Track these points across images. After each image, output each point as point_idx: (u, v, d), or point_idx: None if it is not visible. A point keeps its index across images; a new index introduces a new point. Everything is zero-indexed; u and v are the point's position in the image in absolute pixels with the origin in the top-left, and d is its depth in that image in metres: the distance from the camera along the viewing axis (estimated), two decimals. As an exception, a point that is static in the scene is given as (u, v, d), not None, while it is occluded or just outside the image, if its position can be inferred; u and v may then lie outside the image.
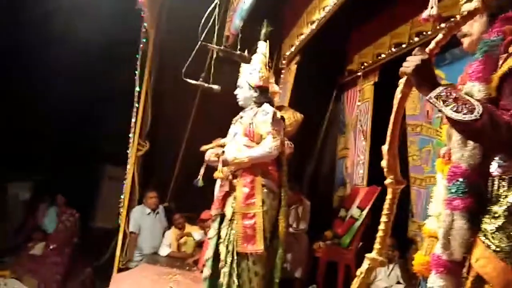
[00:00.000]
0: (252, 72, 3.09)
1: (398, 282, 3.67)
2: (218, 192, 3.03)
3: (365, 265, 1.52)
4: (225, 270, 2.75)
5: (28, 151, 6.05)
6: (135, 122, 4.75)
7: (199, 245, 4.73)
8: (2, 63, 5.36)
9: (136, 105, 4.75)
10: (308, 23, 4.55)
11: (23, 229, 5.72)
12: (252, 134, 2.92)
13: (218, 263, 2.83)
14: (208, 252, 2.90)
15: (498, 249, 1.33)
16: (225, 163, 2.86)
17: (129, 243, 4.69)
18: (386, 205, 1.54)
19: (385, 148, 1.55)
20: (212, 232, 2.95)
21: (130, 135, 4.78)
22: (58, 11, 4.94)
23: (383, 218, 1.54)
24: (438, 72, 3.20)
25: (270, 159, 2.90)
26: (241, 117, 3.06)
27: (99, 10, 4.67)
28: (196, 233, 4.80)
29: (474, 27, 1.61)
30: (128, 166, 4.76)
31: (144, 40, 4.78)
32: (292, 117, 3.85)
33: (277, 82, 5.11)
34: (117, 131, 5.14)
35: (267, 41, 3.28)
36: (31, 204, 6.12)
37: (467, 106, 1.33)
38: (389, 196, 1.55)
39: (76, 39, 5.08)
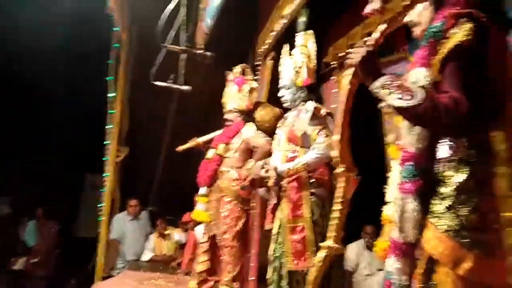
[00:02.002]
0: (297, 70, 2.80)
1: (381, 269, 3.74)
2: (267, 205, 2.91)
3: (323, 253, 1.57)
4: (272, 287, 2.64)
5: (4, 165, 6.05)
6: (111, 129, 4.76)
7: (181, 246, 4.78)
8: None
9: (110, 111, 4.76)
10: (280, 18, 4.60)
11: (3, 245, 5.68)
12: (296, 138, 2.71)
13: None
14: (270, 272, 2.74)
15: (448, 228, 1.39)
16: (280, 178, 2.64)
17: (111, 251, 4.71)
18: (339, 194, 1.60)
19: (336, 138, 1.61)
20: (271, 250, 2.76)
21: (107, 142, 4.78)
22: (24, 22, 4.93)
23: (337, 206, 1.60)
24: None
25: (326, 161, 2.65)
26: (285, 119, 2.87)
27: (67, 16, 4.66)
28: (177, 234, 4.86)
29: (422, 16, 1.67)
30: (107, 173, 4.77)
31: (117, 46, 4.79)
32: (270, 112, 3.82)
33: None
34: (95, 139, 5.15)
35: (309, 30, 2.94)
36: (11, 219, 6.09)
37: (409, 92, 1.40)
38: (341, 184, 1.61)
39: (45, 47, 5.07)
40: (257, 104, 3.76)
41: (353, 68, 1.59)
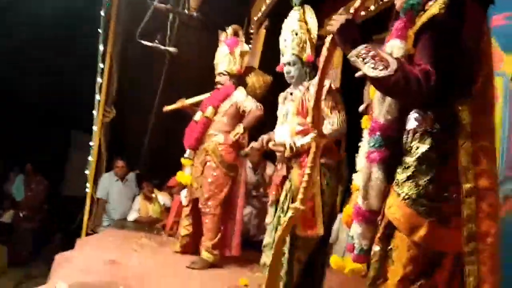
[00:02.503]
0: (302, 46, 2.70)
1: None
2: (274, 176, 2.83)
3: (289, 214, 1.62)
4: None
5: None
6: (100, 88, 4.73)
7: (166, 210, 4.86)
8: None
9: (101, 69, 4.71)
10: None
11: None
12: (306, 111, 2.61)
13: None
14: (266, 238, 2.69)
15: (406, 196, 1.44)
16: (295, 151, 2.55)
17: (97, 209, 4.78)
18: (310, 158, 1.64)
19: (311, 105, 1.64)
20: (268, 218, 2.74)
21: (95, 101, 4.76)
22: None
23: (307, 170, 1.64)
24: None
25: (340, 137, 2.68)
26: (291, 94, 2.76)
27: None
28: (162, 197, 4.93)
29: None
30: (94, 133, 4.78)
31: (107, 5, 4.69)
32: (261, 79, 3.86)
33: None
34: (84, 98, 5.13)
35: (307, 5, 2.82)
36: (1, 173, 6.13)
37: (383, 63, 1.41)
38: (313, 149, 1.64)
39: (37, 6, 4.98)
40: (248, 70, 3.75)
41: (330, 36, 1.59)
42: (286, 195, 2.59)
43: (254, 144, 2.81)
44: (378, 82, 1.46)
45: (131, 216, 4.88)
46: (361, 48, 1.47)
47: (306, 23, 2.78)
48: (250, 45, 5.31)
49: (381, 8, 4.15)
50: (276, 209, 2.65)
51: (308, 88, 2.67)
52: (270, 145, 2.69)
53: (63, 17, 5.15)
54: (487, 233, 1.35)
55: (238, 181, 3.55)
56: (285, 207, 2.55)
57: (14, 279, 4.91)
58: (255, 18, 5.32)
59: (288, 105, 2.74)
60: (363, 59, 1.46)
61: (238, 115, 3.50)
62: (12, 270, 5.11)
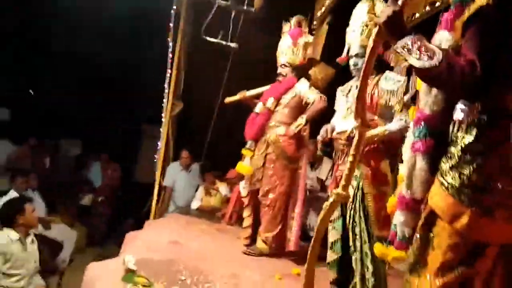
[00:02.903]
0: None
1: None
2: (333, 170, 2.74)
3: (330, 199, 1.70)
4: (355, 256, 2.47)
5: (77, 113, 6.69)
6: (169, 83, 5.06)
7: (227, 200, 5.08)
8: (47, 31, 5.85)
9: (170, 66, 5.04)
10: (338, -18, 4.54)
11: (73, 182, 6.35)
12: (375, 105, 2.52)
13: (347, 246, 2.53)
14: (334, 235, 2.61)
15: (450, 186, 1.46)
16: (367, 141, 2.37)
17: (164, 196, 5.12)
18: (353, 146, 1.70)
19: (355, 95, 1.70)
20: (334, 213, 2.57)
21: (165, 94, 5.10)
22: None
23: (350, 158, 1.71)
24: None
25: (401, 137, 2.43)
26: (356, 87, 2.53)
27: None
28: (223, 188, 5.16)
29: None
30: (163, 125, 5.12)
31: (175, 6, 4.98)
32: (324, 71, 3.78)
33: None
34: (155, 93, 5.51)
35: None
36: (80, 160, 6.75)
37: (429, 54, 1.44)
38: (356, 137, 1.70)
39: (113, 8, 5.42)
40: (310, 61, 3.69)
41: (377, 27, 1.64)
42: (355, 193, 2.48)
43: (319, 138, 2.69)
44: (423, 73, 1.49)
45: (194, 204, 5.16)
46: (407, 39, 1.50)
47: (375, 15, 2.64)
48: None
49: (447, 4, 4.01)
50: (341, 207, 2.51)
51: (377, 83, 2.55)
52: (334, 133, 2.60)
53: (135, 16, 5.55)
54: None
55: (299, 174, 3.49)
56: (357, 206, 2.47)
57: (91, 257, 5.41)
58: (318, 14, 5.35)
59: (351, 98, 2.62)
60: (409, 50, 1.49)
61: (300, 107, 3.43)
62: (88, 249, 5.63)
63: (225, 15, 3.74)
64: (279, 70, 3.55)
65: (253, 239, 3.59)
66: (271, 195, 3.41)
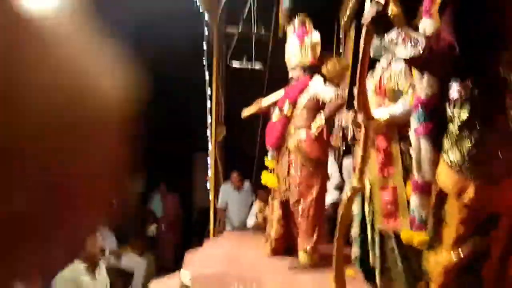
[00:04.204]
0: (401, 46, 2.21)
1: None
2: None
3: (349, 192, 1.80)
4: (372, 251, 2.42)
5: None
6: (210, 112, 5.37)
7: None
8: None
9: (209, 96, 5.36)
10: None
11: (139, 216, 6.80)
12: (384, 91, 2.38)
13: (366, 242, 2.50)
14: (354, 230, 2.56)
15: (452, 162, 1.52)
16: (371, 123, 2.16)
17: (220, 217, 5.36)
18: (361, 140, 1.79)
19: (355, 89, 1.81)
20: (355, 208, 2.50)
21: (207, 123, 5.41)
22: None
23: (360, 152, 1.80)
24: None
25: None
26: (372, 71, 2.53)
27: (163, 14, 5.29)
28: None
29: None
30: (210, 152, 5.41)
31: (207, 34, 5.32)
32: (337, 65, 3.63)
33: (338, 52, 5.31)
34: (202, 122, 5.84)
35: None
36: (143, 194, 7.24)
37: (412, 42, 1.54)
38: (363, 131, 1.80)
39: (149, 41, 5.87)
40: (321, 58, 3.49)
41: (366, 27, 1.75)
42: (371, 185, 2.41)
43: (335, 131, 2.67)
44: (411, 62, 1.58)
45: (249, 222, 5.33)
46: (393, 33, 1.61)
47: None
48: (342, 50, 5.48)
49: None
50: (362, 198, 2.45)
51: (389, 65, 2.38)
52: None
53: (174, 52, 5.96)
54: None
55: (327, 177, 3.36)
56: (374, 198, 2.36)
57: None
58: (343, 21, 5.45)
59: (368, 82, 2.43)
60: (395, 43, 1.60)
61: (318, 107, 3.27)
62: (158, 277, 5.95)
63: (250, 40, 3.97)
64: (291, 74, 3.43)
65: (284, 251, 3.48)
66: (302, 204, 3.26)
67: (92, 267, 3.28)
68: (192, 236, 6.26)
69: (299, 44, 3.36)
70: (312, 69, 3.38)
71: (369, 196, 2.43)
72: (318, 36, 3.43)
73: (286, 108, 3.36)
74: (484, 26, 1.46)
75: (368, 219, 2.45)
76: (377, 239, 2.37)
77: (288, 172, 3.35)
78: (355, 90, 1.80)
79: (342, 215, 1.77)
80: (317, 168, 3.28)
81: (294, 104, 3.35)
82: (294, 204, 3.32)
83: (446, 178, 1.54)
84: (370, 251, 2.45)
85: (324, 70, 3.42)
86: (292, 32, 3.44)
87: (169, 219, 6.67)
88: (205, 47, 5.22)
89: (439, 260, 1.48)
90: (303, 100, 3.33)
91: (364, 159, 1.78)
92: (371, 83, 2.47)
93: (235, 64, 3.47)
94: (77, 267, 3.24)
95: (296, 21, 3.46)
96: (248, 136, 5.83)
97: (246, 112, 3.88)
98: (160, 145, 7.32)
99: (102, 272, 3.42)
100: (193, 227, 6.29)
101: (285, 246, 3.50)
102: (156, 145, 7.44)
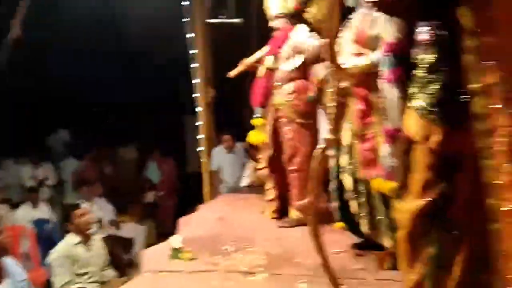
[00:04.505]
0: None
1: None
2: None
3: (322, 145, 1.79)
4: (360, 201, 2.42)
5: (128, 120, 7.26)
6: (196, 69, 5.25)
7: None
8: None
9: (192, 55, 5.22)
10: None
11: (136, 184, 6.88)
12: (364, 39, 2.25)
13: (343, 193, 2.56)
14: (331, 184, 2.61)
15: (419, 107, 1.51)
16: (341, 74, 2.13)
17: (214, 180, 5.40)
18: (332, 90, 1.77)
19: (371, 33, 1.76)
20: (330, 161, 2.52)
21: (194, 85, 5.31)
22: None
23: (331, 103, 1.79)
24: None
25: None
26: (348, 21, 2.42)
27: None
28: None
29: None
30: (199, 114, 5.36)
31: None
32: (323, 7, 2.99)
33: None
34: (186, 85, 5.75)
35: None
36: (138, 163, 7.29)
37: None
38: (335, 83, 1.78)
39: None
40: (305, 3, 3.20)
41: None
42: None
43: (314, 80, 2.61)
44: (379, 4, 1.54)
45: (243, 182, 5.39)
46: None
47: None
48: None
49: None
50: (337, 151, 2.43)
51: (369, 16, 2.18)
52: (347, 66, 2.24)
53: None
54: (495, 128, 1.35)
55: (318, 129, 3.19)
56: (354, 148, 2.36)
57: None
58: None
59: (345, 32, 2.39)
60: None
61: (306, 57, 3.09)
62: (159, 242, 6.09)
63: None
64: (271, 23, 3.24)
65: (281, 211, 3.43)
66: (296, 159, 3.15)
67: (85, 239, 3.34)
68: (189, 200, 6.35)
69: None
70: (296, 17, 3.17)
71: (349, 146, 2.42)
72: None
73: (269, 61, 3.21)
74: None
75: (348, 169, 2.44)
76: (361, 188, 2.37)
77: (276, 129, 3.27)
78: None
79: (314, 168, 1.78)
80: (307, 120, 3.15)
81: (276, 56, 3.20)
82: (288, 160, 3.25)
83: (413, 124, 1.54)
84: (350, 201, 2.48)
85: (307, 15, 3.15)
86: None
87: (167, 185, 6.74)
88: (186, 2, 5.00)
89: (407, 207, 1.50)
90: (286, 51, 3.17)
91: (337, 110, 1.77)
92: (349, 31, 2.37)
93: (213, 20, 3.32)
94: (71, 241, 3.30)
95: None
96: (239, 96, 5.76)
97: (232, 72, 3.78)
98: (150, 112, 7.32)
99: (97, 243, 3.48)
100: (191, 192, 6.35)
101: (282, 208, 3.46)
102: (146, 112, 7.46)
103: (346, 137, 2.45)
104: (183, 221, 3.95)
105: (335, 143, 1.83)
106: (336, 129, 1.81)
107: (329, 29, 1.73)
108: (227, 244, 2.98)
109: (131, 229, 5.59)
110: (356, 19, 2.37)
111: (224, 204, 4.30)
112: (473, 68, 1.38)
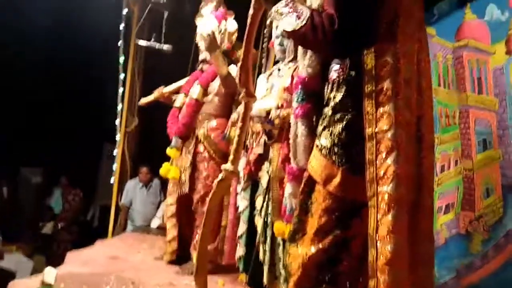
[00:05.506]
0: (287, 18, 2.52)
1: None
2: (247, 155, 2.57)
3: (220, 176, 1.66)
4: (265, 247, 2.37)
5: (36, 138, 6.71)
6: (122, 98, 5.05)
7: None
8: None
9: (122, 80, 5.04)
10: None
11: (35, 211, 6.27)
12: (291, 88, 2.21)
13: (254, 239, 2.46)
14: (241, 228, 2.54)
15: (323, 146, 1.43)
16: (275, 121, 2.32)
17: (121, 215, 5.04)
18: (240, 119, 1.67)
19: (239, 64, 1.69)
20: (242, 203, 2.55)
21: (118, 110, 5.08)
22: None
23: (237, 132, 1.68)
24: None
25: None
26: (278, 70, 2.54)
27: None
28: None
29: None
30: (118, 142, 5.08)
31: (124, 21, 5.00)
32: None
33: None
34: (113, 110, 5.49)
35: None
36: (41, 188, 6.69)
37: (298, 15, 1.45)
38: (243, 109, 1.68)
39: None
40: (234, 45, 3.27)
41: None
42: (269, 179, 2.38)
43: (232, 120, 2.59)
44: (293, 35, 1.49)
45: (154, 223, 5.05)
46: (280, 4, 1.52)
47: None
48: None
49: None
50: (251, 193, 2.47)
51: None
52: (253, 113, 2.32)
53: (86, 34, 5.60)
54: (385, 176, 1.29)
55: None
56: (272, 192, 2.33)
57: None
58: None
59: (274, 80, 2.52)
60: (281, 13, 1.50)
61: (233, 94, 3.09)
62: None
63: (158, 17, 3.73)
64: (202, 56, 3.26)
65: (180, 255, 3.21)
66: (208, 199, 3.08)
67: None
68: (92, 236, 5.85)
69: (218, 26, 3.17)
70: (228, 56, 3.19)
71: (265, 189, 2.39)
72: (235, 25, 3.26)
73: (197, 92, 3.16)
74: (357, 6, 1.39)
75: (262, 213, 2.39)
76: (269, 233, 2.30)
77: (192, 164, 3.15)
78: (238, 66, 1.68)
79: (210, 199, 1.63)
80: (226, 161, 3.06)
81: (206, 89, 3.17)
82: (199, 200, 3.10)
83: (316, 164, 1.45)
84: (260, 248, 2.37)
85: (238, 56, 3.14)
86: (210, 12, 3.23)
87: (68, 217, 6.19)
88: (121, 27, 4.89)
89: (298, 253, 1.38)
90: (215, 86, 3.16)
91: (241, 139, 1.66)
92: (278, 81, 2.47)
93: (142, 42, 3.23)
94: None
95: (213, 3, 3.25)
96: (163, 127, 5.57)
97: (144, 100, 3.63)
98: (69, 135, 6.84)
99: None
100: (92, 226, 5.88)
101: (181, 251, 3.23)
102: (63, 134, 6.96)
103: (264, 179, 2.43)
104: (71, 255, 3.56)
105: (235, 175, 1.70)
106: (236, 159, 1.68)
107: (245, 52, 1.65)
108: (110, 285, 2.66)
109: (16, 261, 4.97)
110: (286, 68, 2.47)
111: (123, 243, 3.97)
112: (369, 114, 1.35)
